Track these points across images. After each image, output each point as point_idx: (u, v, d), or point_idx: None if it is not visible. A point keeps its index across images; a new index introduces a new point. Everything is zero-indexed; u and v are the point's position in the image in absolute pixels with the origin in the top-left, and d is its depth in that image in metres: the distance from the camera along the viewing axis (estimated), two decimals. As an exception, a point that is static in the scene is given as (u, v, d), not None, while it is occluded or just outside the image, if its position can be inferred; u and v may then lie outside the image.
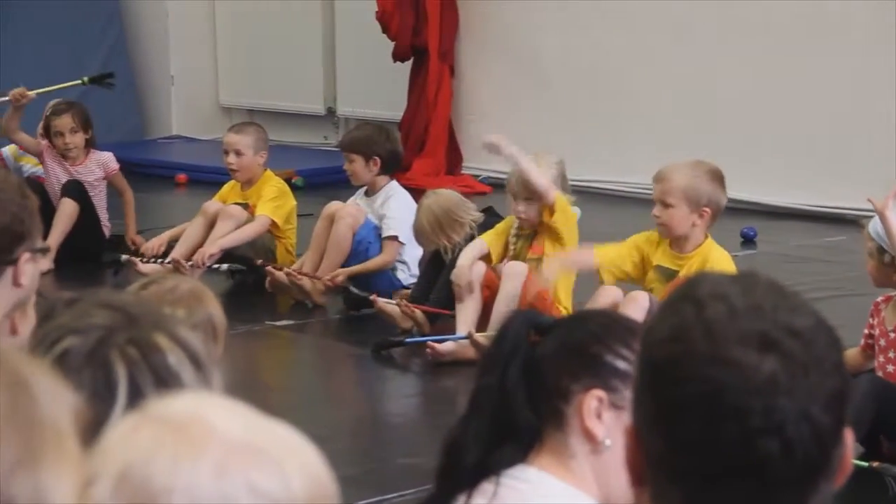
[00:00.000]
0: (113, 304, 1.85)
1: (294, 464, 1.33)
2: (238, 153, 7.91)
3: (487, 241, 6.67)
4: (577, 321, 2.51)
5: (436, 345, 6.48)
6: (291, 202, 7.98)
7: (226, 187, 8.13)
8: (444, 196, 7.03)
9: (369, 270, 7.39)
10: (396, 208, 7.44)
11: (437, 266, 6.96)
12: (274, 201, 7.88)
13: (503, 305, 6.28)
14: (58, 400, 1.33)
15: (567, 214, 6.47)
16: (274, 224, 7.85)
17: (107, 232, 8.60)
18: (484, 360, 2.45)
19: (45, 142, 8.51)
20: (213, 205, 7.92)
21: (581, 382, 2.32)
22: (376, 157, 7.56)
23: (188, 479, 1.29)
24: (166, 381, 1.78)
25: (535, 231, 6.57)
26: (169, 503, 1.29)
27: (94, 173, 8.54)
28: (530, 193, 6.43)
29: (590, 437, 2.32)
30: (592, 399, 2.31)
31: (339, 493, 1.36)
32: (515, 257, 6.60)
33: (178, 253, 7.73)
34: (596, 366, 2.33)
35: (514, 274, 6.46)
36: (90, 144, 8.55)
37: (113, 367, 1.78)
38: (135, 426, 1.34)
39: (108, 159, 8.61)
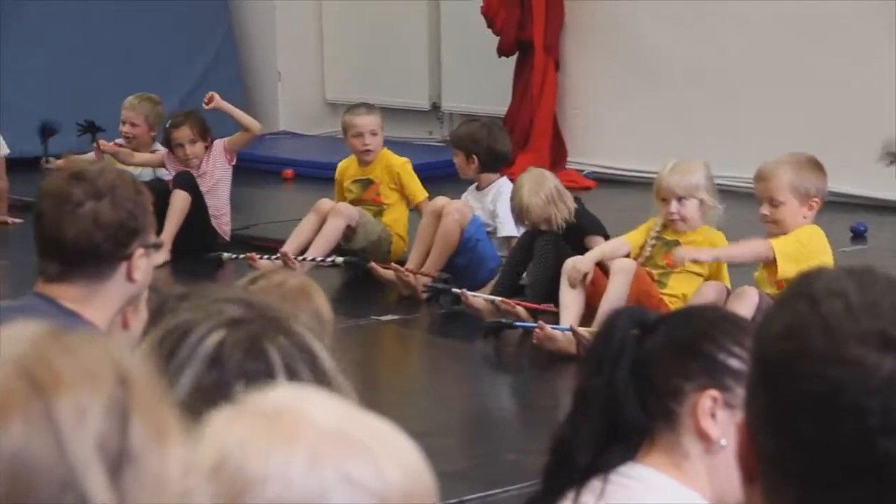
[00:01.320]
0: (240, 299, 1.88)
1: (389, 455, 1.33)
2: (374, 133, 7.99)
3: (631, 241, 6.64)
4: (684, 318, 2.47)
5: (546, 326, 6.45)
6: None
7: (342, 164, 8.18)
8: (545, 173, 7.10)
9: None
10: (508, 207, 7.42)
11: (527, 251, 6.95)
12: (417, 181, 7.99)
13: (610, 302, 6.25)
14: (162, 391, 1.35)
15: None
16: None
17: (227, 230, 8.66)
18: (589, 358, 2.42)
19: (164, 150, 8.63)
20: (326, 203, 7.94)
21: (694, 382, 2.29)
22: (474, 155, 7.60)
23: (282, 468, 1.30)
24: (314, 366, 1.81)
25: (676, 240, 6.53)
26: (263, 492, 1.30)
27: (221, 166, 8.63)
28: (686, 193, 6.40)
29: (704, 437, 2.29)
30: (707, 399, 2.28)
31: (436, 487, 1.35)
32: (649, 258, 6.56)
33: (289, 248, 7.78)
34: (709, 364, 2.29)
35: (622, 270, 6.42)
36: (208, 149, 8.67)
37: (271, 357, 1.81)
38: (230, 418, 1.35)
39: (219, 147, 8.66)
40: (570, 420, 2.36)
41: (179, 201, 8.36)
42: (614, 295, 6.32)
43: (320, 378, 1.80)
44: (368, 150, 7.97)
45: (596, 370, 2.34)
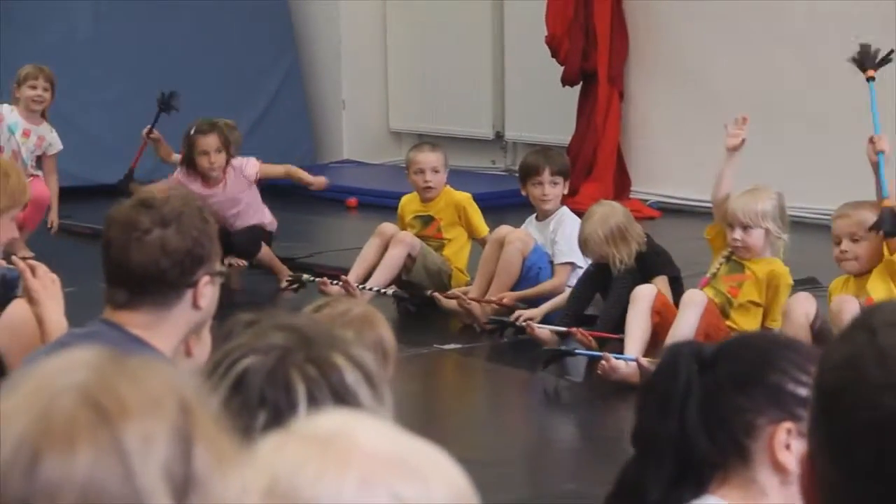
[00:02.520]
0: (290, 326, 1.89)
1: (439, 479, 1.34)
2: (435, 170, 8.00)
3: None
4: (743, 348, 2.40)
5: (611, 357, 6.42)
6: None
7: (405, 199, 8.20)
8: (618, 209, 7.01)
9: (541, 294, 7.38)
10: (568, 234, 7.41)
11: (595, 283, 6.94)
12: (480, 216, 7.97)
13: (679, 335, 6.20)
14: (221, 417, 1.37)
15: None
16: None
17: (273, 228, 8.62)
18: (653, 396, 2.35)
19: (179, 169, 8.44)
20: (389, 227, 7.98)
21: (765, 415, 2.25)
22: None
23: (333, 492, 1.31)
24: (344, 398, 1.81)
25: (743, 264, 6.51)
26: None
27: (240, 185, 8.41)
28: (751, 221, 6.40)
29: (781, 469, 2.25)
30: (782, 432, 2.25)
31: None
32: (713, 277, 6.55)
33: (353, 275, 7.79)
34: (777, 395, 2.26)
35: (693, 303, 6.39)
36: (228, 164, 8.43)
37: (293, 385, 1.82)
38: (282, 442, 1.37)
39: (243, 165, 8.44)
40: (639, 460, 2.32)
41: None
42: (684, 328, 6.28)
43: (378, 403, 1.80)
44: (430, 188, 8.01)
45: (662, 409, 2.30)
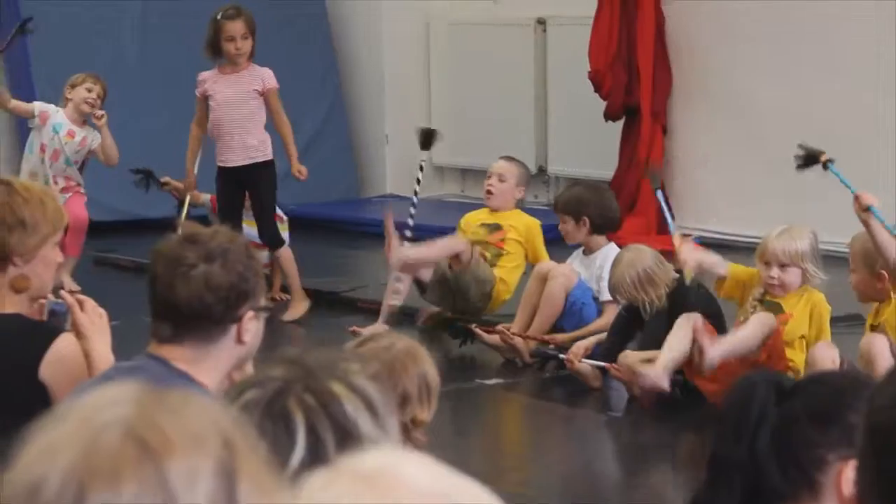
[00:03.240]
0: (292, 358, 1.90)
1: None
2: (501, 178, 7.99)
3: (733, 271, 6.59)
4: (820, 385, 2.41)
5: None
6: None
7: (470, 213, 8.19)
8: (645, 253, 7.00)
9: (591, 334, 7.34)
10: None
11: (630, 324, 6.94)
12: (544, 247, 7.94)
13: (741, 344, 6.24)
14: (264, 452, 1.38)
15: None
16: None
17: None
18: (726, 424, 2.35)
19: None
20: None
21: (837, 452, 2.25)
22: (585, 218, 7.57)
23: None
24: (344, 427, 1.81)
25: (778, 303, 6.50)
26: None
27: (252, 84, 8.35)
28: (789, 261, 6.40)
29: None
30: (851, 469, 2.21)
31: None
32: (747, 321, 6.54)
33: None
34: (850, 433, 2.24)
35: (761, 322, 6.37)
36: (252, 55, 8.36)
37: (292, 416, 1.82)
38: (328, 479, 1.37)
39: (266, 74, 8.40)
40: (710, 485, 2.33)
41: (288, 256, 8.43)
42: (749, 339, 6.28)
43: (347, 441, 1.80)
44: (490, 193, 8.01)
45: (735, 435, 2.31)
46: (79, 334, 3.46)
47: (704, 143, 10.67)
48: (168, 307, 2.98)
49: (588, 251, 7.65)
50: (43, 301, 3.63)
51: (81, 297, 3.55)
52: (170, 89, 11.22)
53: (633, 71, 10.60)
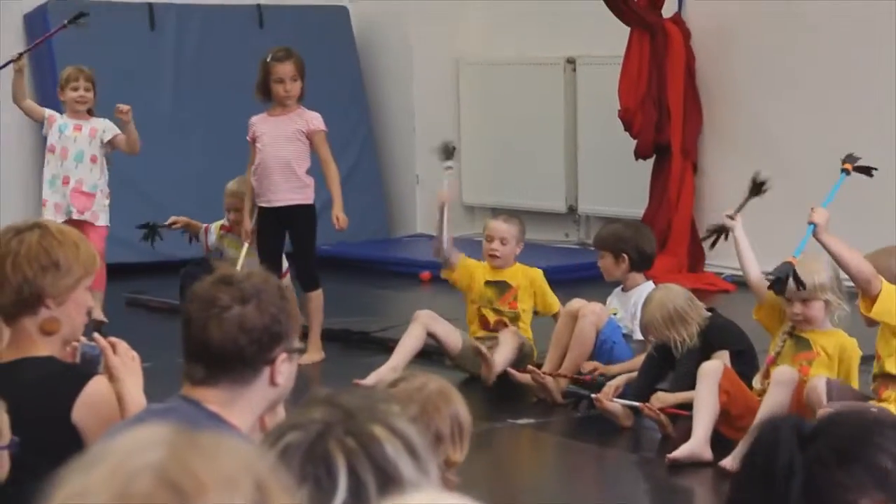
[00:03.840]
0: (331, 400, 1.89)
1: None
2: (503, 241, 8.00)
3: (769, 299, 6.57)
4: (842, 425, 2.34)
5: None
6: None
7: (475, 265, 8.17)
8: (675, 291, 7.00)
9: (627, 371, 7.32)
10: None
11: (660, 364, 6.92)
12: (553, 294, 7.93)
13: (769, 413, 6.16)
14: (294, 494, 1.37)
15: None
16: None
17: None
18: (752, 473, 2.29)
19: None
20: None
21: (868, 496, 2.22)
22: (624, 255, 7.60)
23: None
24: (385, 470, 1.81)
25: (807, 338, 6.48)
26: None
27: (297, 125, 8.34)
28: (809, 295, 6.38)
29: None
30: None
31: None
32: (778, 355, 6.51)
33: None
34: (880, 476, 2.22)
35: (783, 383, 6.33)
36: (302, 97, 8.37)
37: (333, 459, 1.82)
38: None
39: (313, 117, 8.39)
40: None
41: (317, 302, 8.41)
42: (775, 408, 6.23)
43: (388, 484, 1.79)
44: (494, 256, 8.02)
45: (765, 486, 2.25)
46: (111, 377, 3.47)
47: (735, 180, 10.64)
48: (201, 349, 2.98)
49: (625, 288, 7.66)
50: (75, 344, 3.64)
51: (114, 339, 3.56)
52: (206, 134, 11.29)
53: (664, 109, 10.60)
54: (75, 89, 9.13)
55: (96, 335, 3.57)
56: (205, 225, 9.00)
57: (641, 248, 7.71)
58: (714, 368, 6.52)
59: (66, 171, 9.12)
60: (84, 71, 9.19)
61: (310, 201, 8.43)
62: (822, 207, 6.44)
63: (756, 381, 6.61)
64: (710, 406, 6.44)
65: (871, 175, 6.84)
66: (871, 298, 6.09)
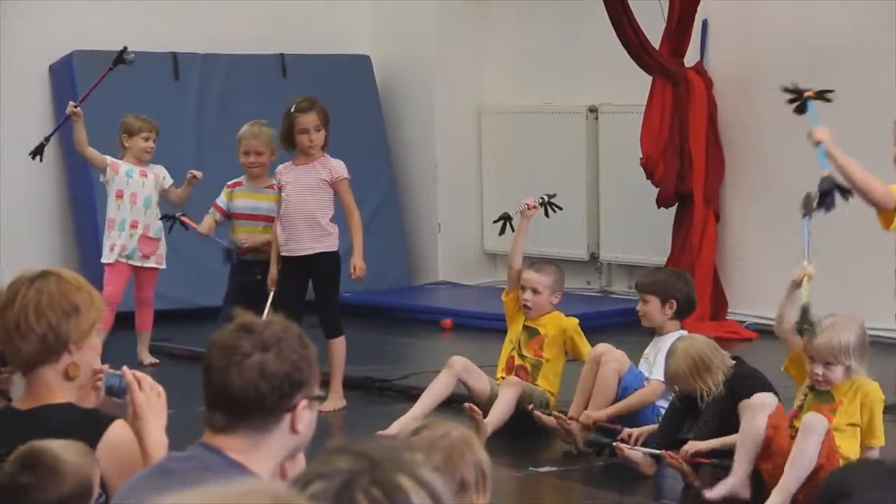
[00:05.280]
0: (356, 450, 1.89)
1: None
2: (535, 291, 8.00)
3: (796, 353, 6.60)
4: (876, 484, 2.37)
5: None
6: None
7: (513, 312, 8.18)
8: (700, 341, 6.99)
9: (631, 408, 7.34)
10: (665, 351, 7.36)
11: (684, 413, 6.91)
12: (586, 343, 7.93)
13: (805, 463, 6.17)
14: None
15: None
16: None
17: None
18: None
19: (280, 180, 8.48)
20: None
21: None
22: (673, 301, 7.59)
23: None
24: None
25: (829, 392, 6.47)
26: None
27: (321, 174, 8.37)
28: (833, 359, 6.38)
29: None
30: None
31: None
32: (800, 409, 6.49)
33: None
34: None
35: (815, 431, 6.30)
36: (326, 146, 8.42)
37: None
38: None
39: (336, 165, 8.42)
40: None
41: (340, 349, 8.40)
42: (806, 456, 6.21)
43: None
44: (526, 307, 8.03)
45: None
46: (136, 415, 3.47)
47: (757, 228, 10.65)
48: (222, 396, 2.98)
49: (660, 333, 7.65)
50: (100, 375, 3.65)
51: (140, 374, 3.57)
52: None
53: (686, 157, 10.61)
54: (147, 139, 9.52)
55: (125, 368, 3.58)
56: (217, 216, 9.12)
57: (689, 296, 7.72)
58: (765, 403, 6.49)
59: (135, 215, 9.45)
60: (153, 123, 9.60)
61: (333, 248, 8.46)
62: (816, 126, 6.53)
63: None
64: (754, 443, 6.42)
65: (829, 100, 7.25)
66: (890, 212, 6.13)
